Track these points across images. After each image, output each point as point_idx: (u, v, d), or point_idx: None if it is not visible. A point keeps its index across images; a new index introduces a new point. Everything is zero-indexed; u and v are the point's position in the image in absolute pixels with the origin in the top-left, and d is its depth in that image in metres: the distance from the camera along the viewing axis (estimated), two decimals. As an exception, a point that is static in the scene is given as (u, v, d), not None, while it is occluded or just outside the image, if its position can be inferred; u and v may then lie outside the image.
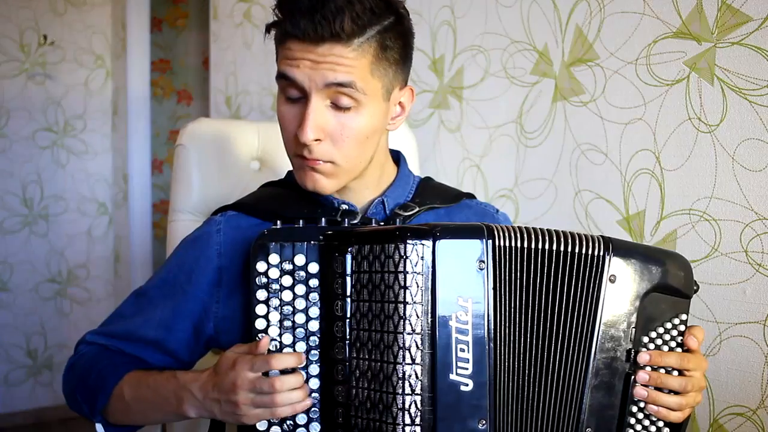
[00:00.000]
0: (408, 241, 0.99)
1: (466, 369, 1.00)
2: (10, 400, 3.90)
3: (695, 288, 1.12)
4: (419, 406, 0.98)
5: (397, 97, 1.20)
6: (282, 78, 1.13)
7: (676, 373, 1.08)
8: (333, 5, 1.06)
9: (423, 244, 0.99)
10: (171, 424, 1.60)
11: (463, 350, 1.00)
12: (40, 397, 3.97)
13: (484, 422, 1.00)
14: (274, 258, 1.08)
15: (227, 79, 2.98)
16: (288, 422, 1.06)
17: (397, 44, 1.14)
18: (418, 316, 0.99)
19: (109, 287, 4.15)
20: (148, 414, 1.21)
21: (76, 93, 4.03)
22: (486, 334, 1.01)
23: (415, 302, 0.99)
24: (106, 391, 1.20)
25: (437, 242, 1.00)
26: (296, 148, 1.15)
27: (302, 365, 1.06)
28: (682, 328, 1.10)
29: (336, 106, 1.12)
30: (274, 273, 1.08)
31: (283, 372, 1.04)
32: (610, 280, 1.06)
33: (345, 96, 1.10)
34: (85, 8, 4.03)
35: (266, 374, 1.03)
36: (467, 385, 0.99)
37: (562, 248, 1.05)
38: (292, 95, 1.13)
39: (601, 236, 1.08)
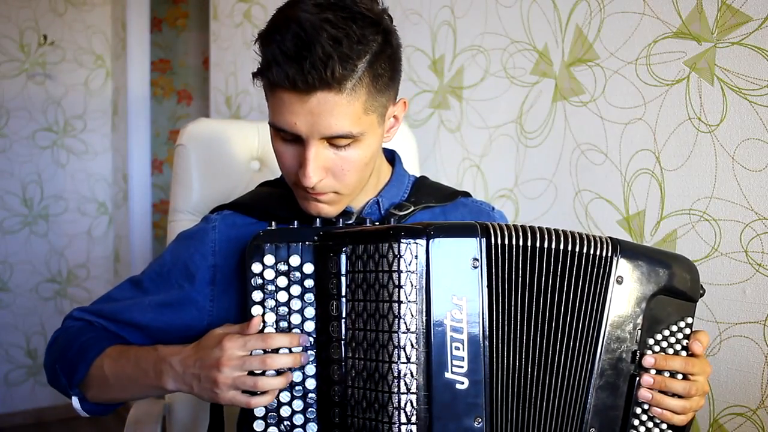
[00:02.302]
0: (402, 240, 0.99)
1: (462, 367, 0.99)
2: (10, 400, 3.91)
3: (701, 292, 1.12)
4: (415, 404, 0.98)
5: (390, 113, 1.19)
6: (277, 129, 1.11)
7: (680, 376, 1.08)
8: (320, 50, 1.01)
9: (417, 243, 0.99)
10: (171, 422, 1.60)
11: (458, 348, 1.00)
12: (40, 397, 3.97)
13: (480, 420, 1.00)
14: (269, 259, 1.08)
15: (227, 79, 2.98)
16: (285, 423, 1.06)
17: (388, 68, 1.11)
18: (412, 315, 0.98)
19: (109, 287, 4.13)
20: (127, 387, 1.20)
21: (76, 93, 4.03)
22: (481, 332, 1.01)
23: (409, 301, 0.98)
24: (86, 362, 1.20)
25: (431, 241, 1.00)
26: (298, 181, 1.13)
27: (297, 347, 1.05)
28: (687, 331, 1.10)
29: (334, 145, 1.10)
30: (269, 274, 1.07)
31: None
32: (617, 281, 1.06)
33: (342, 139, 1.09)
34: (85, 8, 4.03)
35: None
36: (462, 383, 0.99)
37: (568, 248, 1.05)
38: (287, 138, 1.11)
39: (609, 237, 1.08)
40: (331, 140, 1.09)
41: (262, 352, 1.04)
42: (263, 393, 1.03)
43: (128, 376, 1.17)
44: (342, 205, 1.19)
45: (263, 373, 1.03)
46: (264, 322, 1.06)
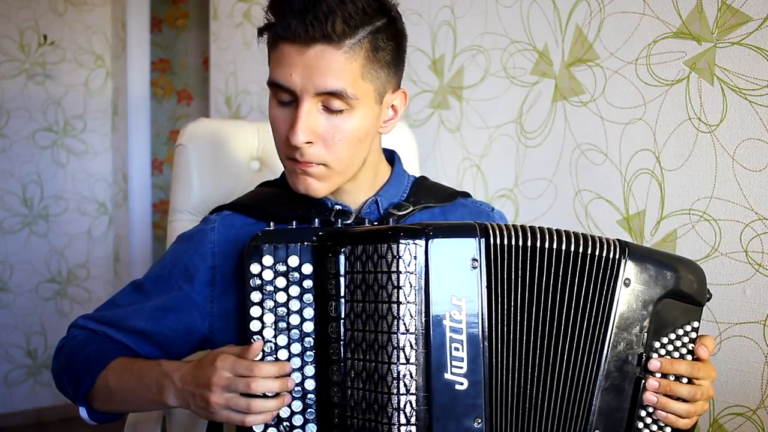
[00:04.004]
0: (401, 241, 0.99)
1: (461, 368, 0.99)
2: (10, 400, 3.90)
3: (708, 296, 1.12)
4: (414, 405, 0.98)
5: (389, 100, 1.20)
6: (273, 84, 1.13)
7: (685, 380, 1.08)
8: (325, 6, 1.05)
9: (416, 244, 0.99)
10: (170, 423, 1.60)
11: (457, 349, 0.99)
12: (40, 397, 3.97)
13: (479, 421, 1.00)
14: (267, 260, 1.07)
15: (227, 79, 2.98)
16: (284, 423, 1.06)
17: (390, 45, 1.14)
18: (411, 316, 0.98)
19: (109, 287, 4.15)
20: (130, 401, 1.20)
21: (76, 93, 4.03)
22: (480, 332, 1.01)
23: (408, 302, 0.98)
24: (91, 376, 1.20)
25: (430, 241, 0.99)
26: (288, 150, 1.15)
27: (286, 374, 1.05)
28: (693, 335, 1.10)
29: (328, 109, 1.12)
30: (267, 275, 1.07)
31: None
32: (624, 283, 1.06)
33: (336, 100, 1.10)
34: (85, 8, 4.03)
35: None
36: (462, 384, 0.99)
37: (571, 249, 1.05)
38: (284, 99, 1.13)
39: (617, 240, 1.08)
40: (326, 102, 1.11)
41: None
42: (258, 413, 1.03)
43: (131, 390, 1.17)
44: (331, 184, 1.19)
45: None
46: (264, 342, 1.06)
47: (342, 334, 1.04)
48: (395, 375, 0.98)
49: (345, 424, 1.03)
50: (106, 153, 4.15)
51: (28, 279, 3.94)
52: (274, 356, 1.06)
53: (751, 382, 1.34)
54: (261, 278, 1.07)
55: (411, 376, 0.98)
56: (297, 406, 1.06)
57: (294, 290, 1.07)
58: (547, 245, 1.04)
